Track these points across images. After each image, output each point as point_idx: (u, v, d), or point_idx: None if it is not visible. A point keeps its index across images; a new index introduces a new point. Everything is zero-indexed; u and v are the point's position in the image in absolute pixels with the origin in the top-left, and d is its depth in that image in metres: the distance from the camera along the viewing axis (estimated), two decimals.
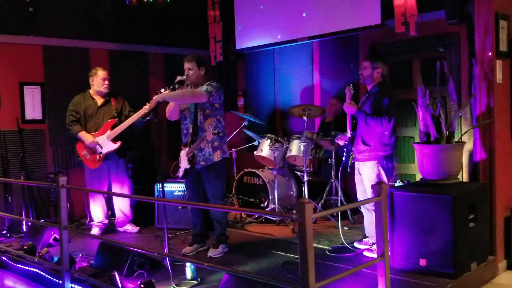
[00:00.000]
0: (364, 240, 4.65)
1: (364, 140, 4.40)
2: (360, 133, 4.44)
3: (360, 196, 4.61)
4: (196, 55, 4.73)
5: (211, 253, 4.65)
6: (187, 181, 4.84)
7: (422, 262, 3.92)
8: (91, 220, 5.78)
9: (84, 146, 5.48)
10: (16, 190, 5.94)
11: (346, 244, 4.65)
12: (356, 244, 4.65)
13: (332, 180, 5.72)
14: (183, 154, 4.66)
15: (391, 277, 3.05)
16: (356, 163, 4.55)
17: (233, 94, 7.58)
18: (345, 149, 4.64)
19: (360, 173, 4.54)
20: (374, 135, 4.35)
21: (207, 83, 4.57)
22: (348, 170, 4.72)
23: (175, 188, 5.74)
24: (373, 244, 4.56)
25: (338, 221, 4.97)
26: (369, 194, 4.22)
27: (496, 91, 4.37)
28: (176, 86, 4.49)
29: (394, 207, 4.06)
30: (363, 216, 4.69)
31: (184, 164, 4.66)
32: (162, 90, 4.72)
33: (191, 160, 4.60)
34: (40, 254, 4.61)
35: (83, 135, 5.44)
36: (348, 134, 4.57)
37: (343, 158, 4.63)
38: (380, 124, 4.25)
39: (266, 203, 5.89)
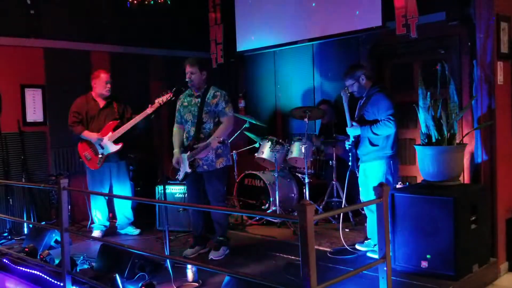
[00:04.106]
0: (366, 242, 4.65)
1: (371, 141, 4.40)
2: (364, 134, 4.43)
3: (364, 198, 4.61)
4: (198, 59, 4.75)
5: (212, 255, 4.64)
6: (188, 183, 4.84)
7: (424, 264, 3.91)
8: (92, 222, 5.78)
9: (86, 147, 5.48)
10: (17, 192, 5.94)
11: (347, 247, 4.64)
12: (357, 246, 4.64)
13: (333, 182, 5.72)
14: (185, 157, 4.65)
15: (392, 279, 3.05)
16: (362, 164, 4.54)
17: (233, 96, 7.57)
18: (350, 153, 4.61)
19: (365, 175, 4.53)
20: (382, 135, 4.36)
21: (223, 101, 4.59)
22: (357, 174, 4.70)
23: (176, 190, 5.74)
24: (376, 245, 4.56)
25: (339, 223, 4.95)
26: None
27: (497, 92, 4.37)
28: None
29: (396, 209, 4.05)
30: (365, 218, 4.68)
31: (185, 167, 4.66)
32: (164, 93, 4.74)
33: (192, 163, 4.60)
34: (42, 256, 4.61)
35: (87, 133, 5.44)
36: (351, 136, 4.56)
37: (349, 163, 4.60)
38: (387, 128, 4.27)
39: (267, 205, 5.89)
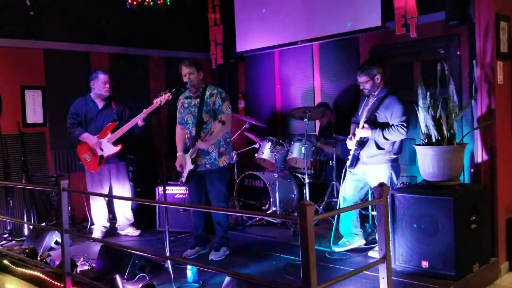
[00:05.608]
0: (340, 242, 4.64)
1: (378, 144, 4.35)
2: (374, 137, 4.36)
3: (347, 191, 4.58)
4: (193, 60, 4.77)
5: (213, 256, 4.64)
6: (190, 184, 4.84)
7: (424, 264, 3.91)
8: (92, 223, 5.77)
9: (86, 149, 5.48)
10: (17, 193, 5.94)
11: (348, 247, 4.64)
12: (335, 248, 4.61)
13: (333, 182, 5.72)
14: (187, 156, 4.65)
15: (393, 279, 3.05)
16: (363, 166, 4.46)
17: (233, 97, 7.58)
18: (354, 153, 4.48)
19: (365, 176, 4.50)
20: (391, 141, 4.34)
21: (219, 99, 4.59)
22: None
23: (176, 191, 5.73)
24: (350, 242, 4.59)
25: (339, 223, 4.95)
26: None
27: (497, 92, 4.37)
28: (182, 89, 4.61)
29: (396, 209, 4.05)
30: (366, 218, 4.67)
31: (188, 166, 4.66)
32: (162, 93, 4.75)
33: (194, 160, 4.60)
34: (42, 257, 4.61)
35: (87, 136, 5.44)
36: (357, 137, 4.45)
37: (348, 162, 4.54)
38: (400, 134, 4.22)
39: (267, 205, 5.89)
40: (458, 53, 5.19)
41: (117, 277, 3.84)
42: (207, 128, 4.59)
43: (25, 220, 5.85)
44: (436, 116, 4.08)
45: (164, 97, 4.75)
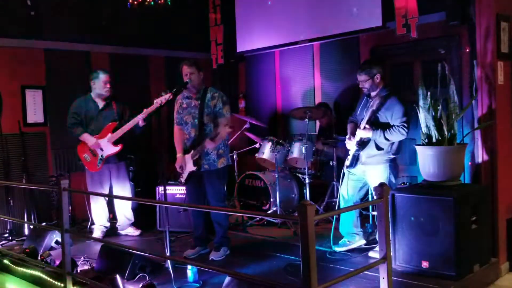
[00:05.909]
0: (340, 241, 4.64)
1: (378, 144, 4.35)
2: (375, 137, 4.35)
3: (347, 191, 4.57)
4: (194, 60, 4.78)
5: (213, 255, 4.65)
6: (188, 184, 4.84)
7: (425, 264, 3.91)
8: (93, 223, 5.77)
9: (86, 148, 5.49)
10: (18, 193, 5.94)
11: (349, 247, 4.64)
12: (336, 248, 4.61)
13: (334, 182, 5.72)
14: (187, 157, 4.65)
15: (393, 279, 3.05)
16: (363, 165, 4.47)
17: (234, 97, 7.59)
18: (355, 154, 4.47)
19: (365, 176, 4.50)
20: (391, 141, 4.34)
21: (220, 102, 4.60)
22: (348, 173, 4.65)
23: (177, 191, 5.74)
24: (350, 242, 4.59)
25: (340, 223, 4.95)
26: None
27: (497, 92, 4.37)
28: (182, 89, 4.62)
29: (396, 209, 4.05)
30: (366, 218, 4.66)
31: (189, 167, 4.65)
32: (163, 93, 4.75)
33: (197, 161, 4.60)
34: (42, 257, 4.61)
35: (86, 137, 5.45)
36: (357, 137, 4.44)
37: (347, 162, 4.54)
38: (401, 135, 4.23)
39: (267, 205, 5.89)
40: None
41: (118, 277, 3.84)
42: (207, 129, 4.59)
43: (26, 220, 5.85)
44: (437, 116, 4.08)
45: (165, 97, 4.74)
